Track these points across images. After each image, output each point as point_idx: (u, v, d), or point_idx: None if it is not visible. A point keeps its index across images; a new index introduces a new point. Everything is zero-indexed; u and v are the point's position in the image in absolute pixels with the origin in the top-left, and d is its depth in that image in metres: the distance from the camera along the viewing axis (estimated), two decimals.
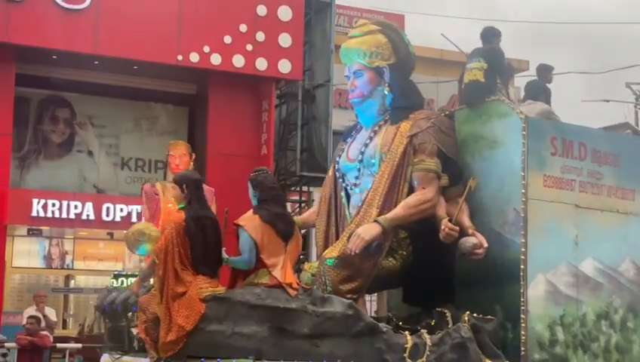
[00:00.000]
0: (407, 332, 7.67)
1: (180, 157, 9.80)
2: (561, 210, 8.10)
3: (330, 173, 8.82)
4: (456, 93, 21.55)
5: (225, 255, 7.40)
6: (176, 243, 7.16)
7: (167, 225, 7.30)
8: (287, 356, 7.08)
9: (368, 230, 7.82)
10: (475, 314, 7.86)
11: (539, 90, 9.16)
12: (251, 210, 7.49)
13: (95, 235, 19.82)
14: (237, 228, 7.38)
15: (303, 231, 8.80)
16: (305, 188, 20.17)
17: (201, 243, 7.24)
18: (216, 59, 18.26)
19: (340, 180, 8.60)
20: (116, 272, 19.13)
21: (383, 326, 7.56)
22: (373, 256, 7.90)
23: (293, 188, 20.09)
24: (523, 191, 7.92)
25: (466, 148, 8.41)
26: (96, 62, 18.07)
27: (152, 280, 7.76)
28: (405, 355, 7.45)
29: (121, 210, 18.30)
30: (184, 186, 7.42)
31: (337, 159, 8.69)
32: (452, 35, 11.22)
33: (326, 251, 8.08)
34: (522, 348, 7.79)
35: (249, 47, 18.47)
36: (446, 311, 8.01)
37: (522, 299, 7.82)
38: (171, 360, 7.05)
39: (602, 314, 8.20)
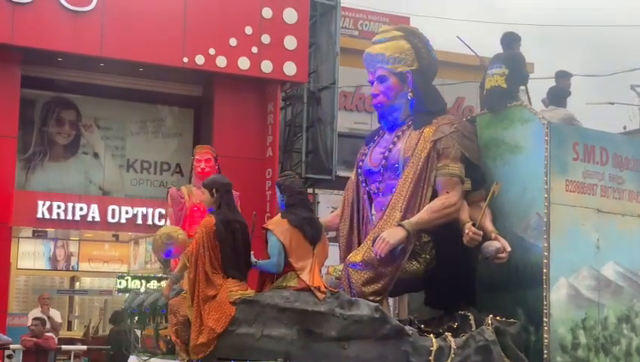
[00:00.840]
0: (432, 336, 7.80)
1: (206, 161, 9.94)
2: (583, 214, 8.25)
3: (353, 177, 8.96)
4: (460, 96, 21.86)
5: (253, 258, 7.53)
6: (207, 247, 7.31)
7: (198, 229, 7.42)
8: (315, 359, 7.20)
9: (393, 234, 7.96)
10: (497, 318, 8.00)
11: (562, 96, 9.32)
12: (279, 214, 7.63)
13: (100, 237, 19.97)
14: (266, 232, 7.51)
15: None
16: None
17: (231, 246, 7.38)
18: (221, 62, 18.43)
19: (363, 184, 8.74)
20: (121, 274, 19.27)
21: (409, 329, 7.69)
22: (397, 260, 8.04)
23: None
24: (546, 195, 8.06)
25: (488, 153, 8.56)
26: (101, 65, 18.22)
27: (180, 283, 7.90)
28: (431, 358, 7.57)
29: (127, 211, 18.45)
30: (214, 190, 7.55)
31: (360, 163, 8.83)
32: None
33: (350, 254, 8.21)
34: (545, 351, 7.92)
35: (254, 50, 18.64)
36: (469, 314, 8.14)
37: (545, 303, 7.94)
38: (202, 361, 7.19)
39: (623, 318, 8.35)
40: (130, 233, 19.65)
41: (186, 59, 18.14)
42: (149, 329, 8.21)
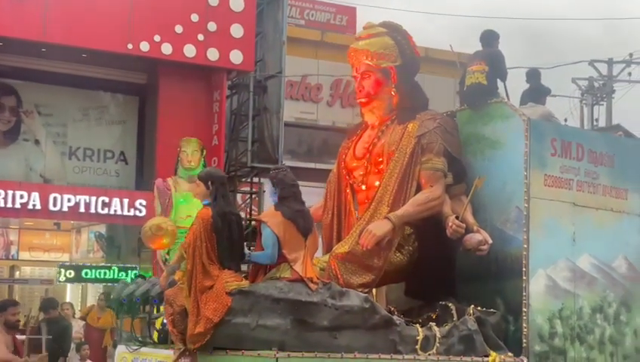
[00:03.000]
0: (418, 325, 8.17)
1: (192, 153, 10.11)
2: (560, 208, 8.72)
3: (335, 169, 9.28)
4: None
5: (247, 250, 7.79)
6: (204, 239, 7.52)
7: (195, 220, 7.65)
8: (308, 348, 7.47)
9: (380, 226, 8.33)
10: (478, 308, 8.41)
11: (542, 94, 9.78)
12: (273, 207, 7.89)
13: (41, 226, 19.88)
14: (259, 224, 7.77)
15: None
16: (256, 180, 20.51)
17: (227, 238, 7.62)
18: (167, 49, 18.39)
19: (347, 177, 9.06)
20: (62, 263, 19.25)
21: (396, 318, 8.04)
22: (384, 252, 8.39)
23: (243, 180, 20.41)
24: (525, 190, 8.50)
25: (468, 148, 8.97)
26: (43, 50, 18.07)
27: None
28: (417, 347, 7.96)
29: (69, 200, 18.26)
30: (209, 183, 7.77)
31: (343, 156, 9.15)
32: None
33: (336, 246, 8.54)
34: (524, 340, 8.37)
35: (200, 37, 18.66)
36: (450, 304, 8.54)
37: (524, 294, 8.39)
38: (198, 351, 7.41)
39: (597, 308, 8.86)
40: (72, 222, 19.60)
41: (130, 46, 18.06)
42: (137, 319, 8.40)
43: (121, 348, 8.60)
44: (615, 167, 9.12)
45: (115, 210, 18.16)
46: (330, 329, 7.64)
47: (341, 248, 8.43)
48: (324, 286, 7.80)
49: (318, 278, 7.85)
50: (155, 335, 8.18)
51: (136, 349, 8.27)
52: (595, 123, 28.90)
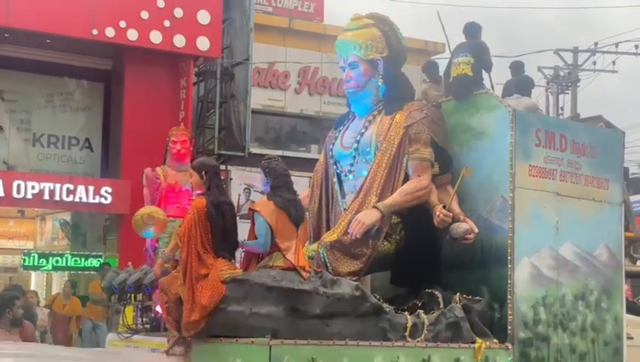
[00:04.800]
0: (406, 313, 8.45)
1: (182, 142, 10.29)
2: (544, 197, 9.02)
3: (322, 159, 9.53)
4: None
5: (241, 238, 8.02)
6: (199, 227, 7.74)
7: (189, 209, 7.86)
8: (300, 335, 7.69)
9: (368, 215, 8.59)
10: (464, 295, 8.71)
11: (528, 86, 10.10)
12: (265, 196, 8.12)
13: (5, 213, 19.92)
14: (252, 213, 8.00)
15: None
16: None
17: (221, 227, 7.84)
18: (132, 35, 18.53)
19: (334, 166, 9.31)
20: (27, 251, 19.28)
21: (386, 306, 8.32)
22: (372, 240, 8.66)
23: None
24: (511, 180, 8.80)
25: (454, 138, 9.24)
26: (6, 35, 18.13)
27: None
28: (406, 334, 8.24)
29: (33, 187, 18.38)
30: (203, 173, 7.98)
31: (330, 146, 9.40)
32: None
33: (325, 234, 8.79)
34: (509, 327, 8.67)
35: (166, 23, 18.81)
36: (436, 292, 8.83)
37: (509, 282, 8.69)
38: (193, 338, 7.63)
39: (579, 295, 9.17)
40: (36, 209, 19.63)
41: (95, 32, 18.16)
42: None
43: (112, 336, 8.78)
44: (597, 158, 9.43)
45: (80, 198, 18.28)
46: (322, 316, 7.88)
47: (330, 237, 8.66)
48: (316, 274, 8.04)
49: (310, 267, 8.10)
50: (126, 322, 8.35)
51: (128, 337, 8.46)
52: (560, 112, 29.45)
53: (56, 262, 19.28)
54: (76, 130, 20.33)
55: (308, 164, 15.90)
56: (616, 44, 29.87)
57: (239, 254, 8.25)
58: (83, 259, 19.41)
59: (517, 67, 10.48)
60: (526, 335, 8.78)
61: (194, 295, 7.62)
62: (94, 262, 19.27)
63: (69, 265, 19.33)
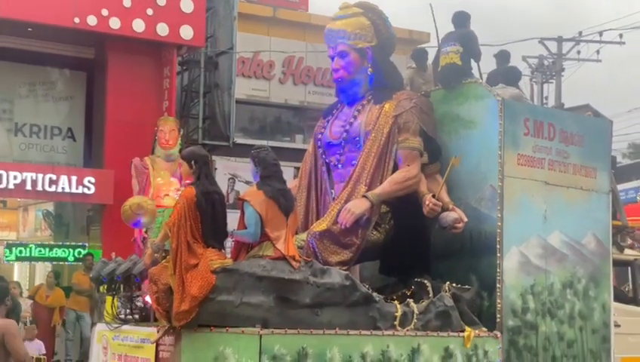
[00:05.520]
0: (396, 302, 8.51)
1: (170, 132, 10.31)
2: (533, 186, 9.11)
3: (310, 148, 9.57)
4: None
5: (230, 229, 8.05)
6: (188, 217, 7.76)
7: (179, 199, 7.88)
8: (290, 324, 7.73)
9: (358, 205, 8.64)
10: (453, 284, 8.78)
11: (515, 76, 10.17)
12: (255, 186, 8.15)
13: None
14: (242, 203, 8.02)
15: None
16: None
17: (211, 217, 7.86)
18: (115, 23, 18.41)
19: (323, 156, 9.35)
20: (9, 241, 19.22)
21: (375, 295, 8.37)
22: (362, 230, 8.70)
23: None
24: (499, 169, 8.87)
25: (443, 128, 9.31)
26: None
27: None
28: (396, 323, 8.30)
29: (15, 177, 18.20)
30: (192, 162, 8.00)
31: (319, 136, 9.43)
32: None
33: (314, 224, 8.83)
34: (498, 316, 8.75)
35: (149, 12, 18.69)
36: (426, 281, 8.89)
37: (498, 270, 8.77)
38: (183, 328, 7.66)
39: (567, 284, 9.27)
40: (19, 199, 19.56)
41: (77, 20, 18.03)
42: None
43: (100, 326, 8.80)
44: (585, 147, 9.52)
45: (63, 188, 18.19)
46: (312, 306, 7.92)
47: (319, 226, 8.70)
48: (306, 264, 8.08)
49: (300, 256, 8.14)
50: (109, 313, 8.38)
51: (117, 327, 8.49)
52: (544, 101, 29.58)
53: (39, 252, 19.21)
54: (59, 120, 20.24)
55: (293, 154, 15.96)
56: (600, 33, 30.03)
57: (229, 244, 8.28)
58: (47, 250, 19.27)
59: (503, 57, 10.56)
60: (515, 323, 8.87)
61: (184, 285, 7.64)
62: (59, 253, 19.17)
63: (32, 255, 19.21)
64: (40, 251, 19.14)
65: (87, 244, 19.46)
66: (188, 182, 8.07)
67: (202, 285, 7.63)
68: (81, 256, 18.90)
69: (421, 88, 10.12)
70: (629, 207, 18.11)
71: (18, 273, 21.71)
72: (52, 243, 19.91)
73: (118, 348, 8.63)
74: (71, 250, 19.15)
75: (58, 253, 19.23)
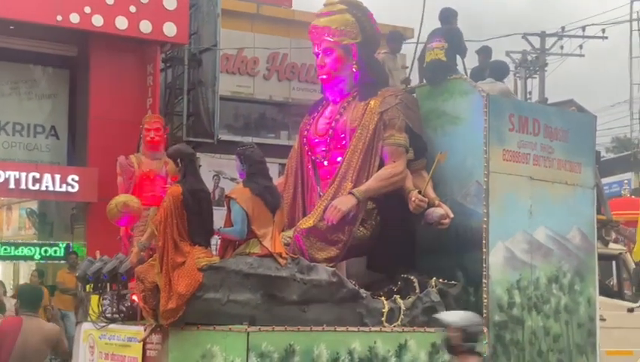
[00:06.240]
0: (383, 298, 8.55)
1: (155, 130, 10.29)
2: (518, 181, 9.15)
3: (296, 145, 9.59)
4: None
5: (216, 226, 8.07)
6: (175, 215, 7.78)
7: (165, 198, 7.88)
8: (278, 322, 7.77)
9: (344, 201, 8.67)
10: (440, 280, 8.82)
11: (503, 72, 10.21)
12: (241, 183, 8.17)
13: None
14: (228, 200, 8.04)
15: None
16: None
17: (197, 215, 7.88)
18: (97, 21, 18.29)
19: (309, 153, 9.37)
20: None
21: (363, 292, 8.41)
22: (348, 226, 8.73)
23: None
24: (485, 164, 8.91)
25: (428, 124, 9.35)
26: None
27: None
28: (383, 319, 8.35)
29: None
30: (178, 160, 8.02)
31: (305, 133, 9.45)
32: None
33: (301, 221, 8.85)
34: (484, 311, 8.78)
35: (132, 9, 18.59)
36: (412, 277, 8.93)
37: (484, 266, 8.81)
38: (170, 327, 7.67)
39: (553, 278, 9.32)
40: (2, 198, 19.47)
41: (60, 18, 17.92)
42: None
43: (87, 325, 8.79)
44: (569, 142, 9.57)
45: (47, 186, 18.11)
46: (300, 303, 7.97)
47: (305, 223, 8.73)
48: (293, 261, 8.11)
49: (286, 253, 8.16)
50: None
51: (104, 326, 8.49)
52: (528, 96, 29.70)
53: (23, 251, 19.10)
54: (42, 118, 20.14)
55: (277, 151, 15.96)
56: (583, 28, 30.18)
57: (215, 241, 8.29)
58: (12, 248, 19.17)
59: (485, 52, 10.62)
60: (501, 318, 8.92)
61: (171, 283, 7.66)
62: (25, 251, 19.08)
63: (35, 254, 19.16)
64: (5, 249, 19.02)
65: (71, 243, 19.39)
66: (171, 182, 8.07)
67: (189, 283, 7.65)
68: (47, 254, 18.82)
69: (391, 73, 10.11)
70: (613, 201, 18.23)
71: (2, 272, 21.62)
72: (19, 241, 19.81)
73: (105, 346, 8.64)
74: (37, 248, 19.03)
75: (24, 251, 19.11)
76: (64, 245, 18.90)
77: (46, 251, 18.90)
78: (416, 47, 9.98)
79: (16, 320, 8.12)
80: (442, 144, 9.18)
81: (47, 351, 8.10)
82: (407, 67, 13.25)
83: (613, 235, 14.84)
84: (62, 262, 18.83)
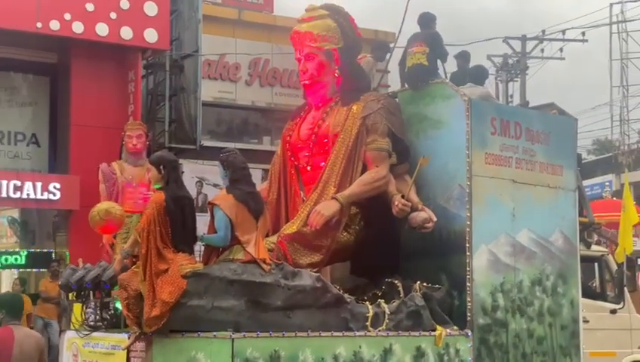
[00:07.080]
0: (368, 302, 8.56)
1: (138, 137, 10.26)
2: (500, 185, 9.18)
3: (279, 151, 9.59)
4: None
5: (200, 233, 8.06)
6: (158, 223, 7.76)
7: (148, 205, 7.87)
8: (262, 328, 7.74)
9: (328, 207, 8.68)
10: (424, 284, 8.84)
11: (483, 76, 10.26)
12: (224, 190, 8.16)
13: None
14: (212, 207, 8.03)
15: None
16: None
17: (181, 222, 7.88)
18: (78, 28, 18.22)
19: (292, 158, 9.37)
20: None
21: (347, 297, 8.41)
22: (332, 232, 8.74)
23: None
24: (467, 168, 8.94)
25: (410, 128, 9.37)
26: None
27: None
28: (367, 323, 8.34)
29: None
30: (161, 167, 8.00)
31: (288, 138, 9.46)
32: None
33: (284, 227, 8.85)
34: (468, 314, 8.81)
35: (113, 15, 18.54)
36: (396, 281, 8.95)
37: (468, 269, 8.83)
38: (154, 334, 7.66)
39: (536, 281, 9.36)
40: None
41: (39, 25, 17.85)
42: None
43: (70, 334, 8.77)
44: (551, 145, 9.62)
45: (28, 194, 18.03)
46: (284, 308, 7.94)
47: (289, 229, 8.73)
48: (277, 266, 8.10)
49: (270, 259, 8.15)
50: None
51: (87, 334, 8.46)
52: (509, 99, 29.83)
53: (5, 260, 19.06)
54: (22, 126, 20.02)
55: (260, 156, 15.96)
56: (563, 32, 30.36)
57: (199, 248, 8.29)
58: (33, 257, 19.12)
59: (464, 57, 10.68)
60: (485, 321, 8.95)
61: (154, 290, 7.64)
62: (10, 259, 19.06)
63: (17, 263, 19.09)
64: (5, 259, 19.00)
65: (53, 250, 19.32)
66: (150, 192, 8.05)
67: (173, 290, 7.64)
68: (8, 262, 18.74)
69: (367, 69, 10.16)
70: (594, 203, 18.33)
71: None
72: (16, 250, 19.76)
73: (88, 355, 8.61)
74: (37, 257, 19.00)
75: (23, 259, 19.08)
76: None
77: (6, 259, 18.83)
78: (393, 50, 9.98)
79: (7, 330, 8.08)
80: (425, 148, 9.20)
81: (36, 358, 8.08)
82: (389, 71, 13.35)
83: (596, 237, 14.94)
84: (43, 270, 18.78)
